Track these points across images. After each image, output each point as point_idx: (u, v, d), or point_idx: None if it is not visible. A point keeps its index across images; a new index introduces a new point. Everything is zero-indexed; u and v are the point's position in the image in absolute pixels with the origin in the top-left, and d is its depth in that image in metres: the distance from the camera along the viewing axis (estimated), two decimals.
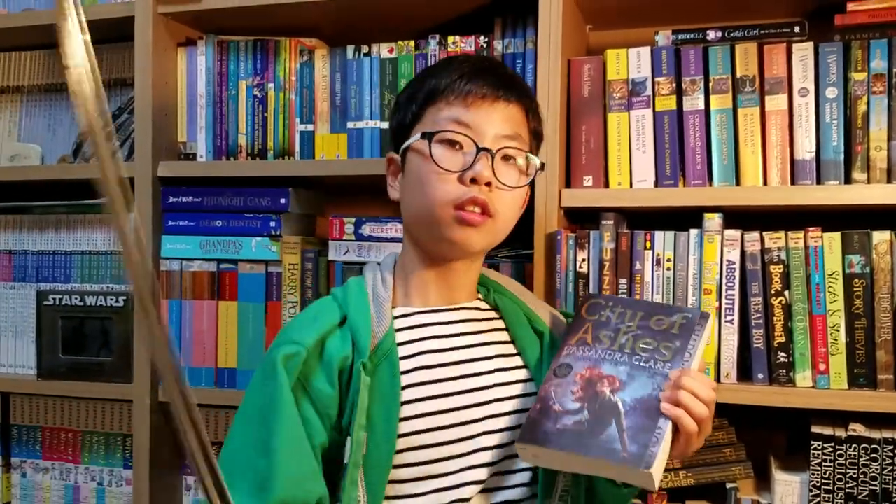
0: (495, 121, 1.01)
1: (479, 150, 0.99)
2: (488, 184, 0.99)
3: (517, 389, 1.04)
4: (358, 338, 0.99)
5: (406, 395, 0.98)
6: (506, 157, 1.02)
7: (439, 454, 0.98)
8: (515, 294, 1.13)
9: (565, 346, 1.03)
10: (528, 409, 1.02)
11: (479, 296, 1.13)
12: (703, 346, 1.01)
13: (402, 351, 1.01)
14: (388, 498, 0.98)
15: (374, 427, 0.96)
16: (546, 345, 1.08)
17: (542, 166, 1.07)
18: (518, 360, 1.07)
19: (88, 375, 1.60)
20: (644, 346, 1.00)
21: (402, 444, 0.97)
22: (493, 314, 1.11)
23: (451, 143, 1.00)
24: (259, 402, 0.97)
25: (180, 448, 1.62)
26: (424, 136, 1.00)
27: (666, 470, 1.11)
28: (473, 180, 0.98)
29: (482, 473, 1.00)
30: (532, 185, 1.32)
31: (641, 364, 0.99)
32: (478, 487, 1.00)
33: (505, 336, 1.09)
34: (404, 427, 0.97)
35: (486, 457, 1.00)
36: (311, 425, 0.96)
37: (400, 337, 1.02)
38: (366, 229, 1.47)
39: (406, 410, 0.97)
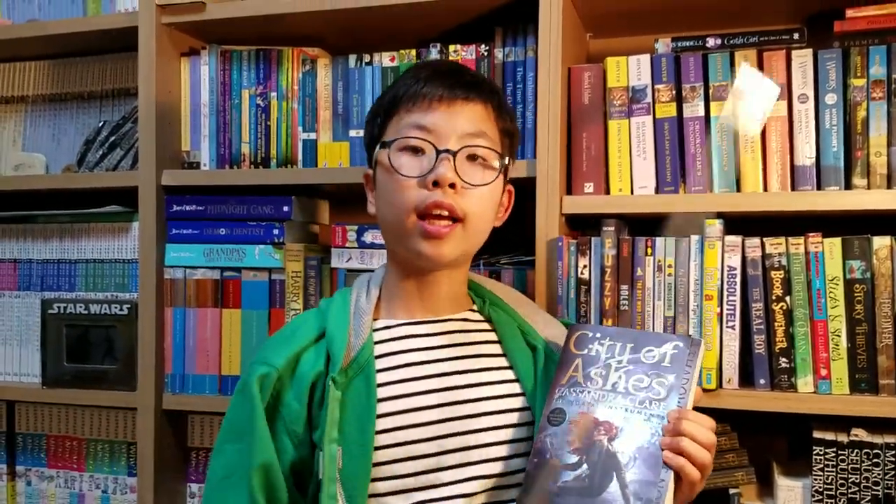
0: (457, 121, 1.00)
1: (438, 152, 0.98)
2: (453, 185, 0.97)
3: (507, 403, 1.03)
4: (332, 352, 1.00)
5: (383, 407, 0.97)
6: (472, 157, 1.01)
7: (419, 467, 0.97)
8: (513, 306, 1.12)
9: (556, 386, 1.00)
10: (520, 424, 1.01)
11: (474, 306, 1.12)
12: (697, 376, 0.98)
13: (382, 363, 1.01)
14: None
15: (348, 440, 0.96)
16: (540, 359, 1.06)
17: (510, 161, 1.05)
18: (510, 374, 1.05)
19: (93, 383, 1.61)
20: (637, 384, 0.97)
21: (379, 456, 0.97)
22: (484, 325, 1.10)
23: (413, 150, 1.00)
24: (236, 418, 1.01)
25: (184, 455, 1.63)
26: (383, 145, 1.00)
27: None
28: (436, 183, 0.97)
29: (472, 487, 0.98)
30: (532, 193, 1.34)
31: (636, 405, 0.95)
32: (469, 501, 0.98)
33: (496, 349, 1.07)
34: (382, 440, 0.97)
35: (476, 471, 0.99)
36: (283, 444, 0.99)
37: (380, 349, 1.02)
38: (368, 237, 1.48)
39: (383, 423, 0.97)
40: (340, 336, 1.00)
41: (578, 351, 1.02)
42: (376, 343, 1.03)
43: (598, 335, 1.03)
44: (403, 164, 0.99)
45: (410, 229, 0.99)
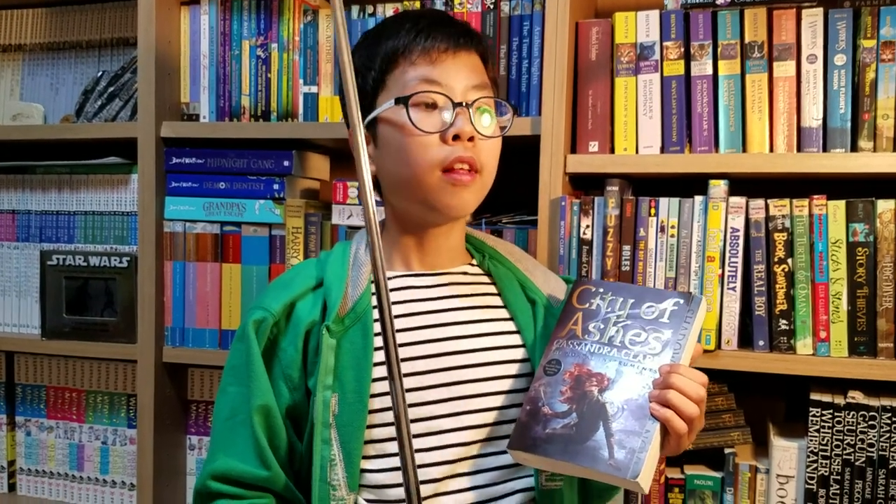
0: (462, 73, 0.99)
1: (455, 105, 0.97)
2: (471, 139, 0.97)
3: (507, 354, 1.04)
4: (329, 301, 1.01)
5: (380, 356, 0.98)
6: (478, 109, 1.01)
7: (416, 415, 0.98)
8: (512, 260, 1.12)
9: (555, 338, 1.01)
10: (519, 375, 1.02)
11: (473, 261, 1.12)
12: (696, 333, 0.98)
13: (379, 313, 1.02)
14: (367, 457, 0.99)
15: (345, 387, 0.97)
16: (539, 312, 1.06)
17: (516, 110, 1.05)
18: (510, 325, 1.06)
19: (93, 335, 1.61)
20: (633, 339, 0.97)
21: (376, 403, 0.98)
22: (484, 279, 1.10)
23: (426, 105, 0.98)
24: (236, 361, 1.02)
25: (184, 407, 1.64)
26: (399, 101, 0.98)
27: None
28: (456, 137, 0.97)
29: (469, 436, 1.00)
30: (536, 151, 1.33)
31: (630, 359, 0.96)
32: (465, 450, 1.00)
33: (496, 301, 1.08)
34: (378, 387, 0.98)
35: (475, 419, 1.00)
36: (279, 388, 1.01)
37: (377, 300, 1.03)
38: None
39: (380, 371, 0.98)
40: (338, 286, 1.01)
41: (580, 305, 1.03)
42: (374, 294, 1.03)
43: (601, 290, 1.03)
44: (420, 120, 0.97)
45: (434, 184, 0.98)
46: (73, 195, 1.66)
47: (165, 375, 1.59)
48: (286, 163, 1.51)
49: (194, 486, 1.03)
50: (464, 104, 0.98)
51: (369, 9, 1.49)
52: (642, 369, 0.95)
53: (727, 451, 1.34)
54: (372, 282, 1.04)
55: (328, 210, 1.51)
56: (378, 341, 0.99)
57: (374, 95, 1.02)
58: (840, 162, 1.25)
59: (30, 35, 1.76)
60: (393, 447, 0.98)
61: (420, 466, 0.97)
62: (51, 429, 1.73)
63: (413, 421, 0.98)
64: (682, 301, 0.99)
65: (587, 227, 1.33)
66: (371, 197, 0.85)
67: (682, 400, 0.90)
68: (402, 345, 1.00)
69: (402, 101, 0.98)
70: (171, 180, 1.56)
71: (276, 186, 1.51)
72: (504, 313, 1.07)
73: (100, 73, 1.66)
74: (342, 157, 1.72)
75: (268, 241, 1.53)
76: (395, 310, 1.02)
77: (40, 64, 1.78)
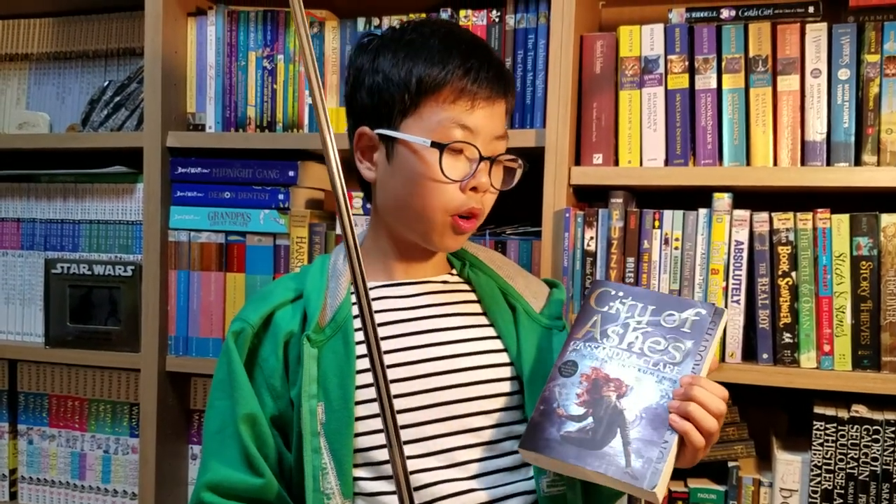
0: (493, 122, 1.02)
1: (481, 159, 1.00)
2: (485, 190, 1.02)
3: (488, 359, 1.05)
4: (308, 311, 1.02)
5: (363, 363, 0.99)
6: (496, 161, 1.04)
7: (403, 421, 0.98)
8: (493, 268, 1.13)
9: (572, 339, 1.01)
10: (501, 379, 1.03)
11: (453, 270, 1.13)
12: (716, 345, 0.97)
13: (359, 322, 1.01)
14: (357, 465, 0.99)
15: (329, 395, 0.98)
16: (520, 318, 1.08)
17: (527, 167, 1.08)
18: (490, 331, 1.07)
19: (96, 344, 1.61)
20: (653, 346, 0.97)
21: (363, 410, 0.98)
22: (464, 287, 1.12)
23: (455, 151, 1.00)
24: (221, 374, 1.04)
25: (186, 417, 1.64)
26: (434, 145, 0.98)
27: None
28: (474, 188, 1.00)
29: (455, 441, 1.00)
30: (540, 163, 1.33)
31: (650, 367, 0.95)
32: (450, 456, 1.00)
33: (476, 308, 1.09)
34: (363, 394, 0.98)
35: (457, 425, 1.00)
36: (262, 398, 1.02)
37: (357, 309, 1.03)
38: None
39: (363, 378, 0.99)
40: (316, 296, 1.03)
41: (598, 307, 1.02)
42: (355, 303, 1.03)
43: (621, 294, 1.03)
44: (449, 166, 0.99)
45: (440, 223, 1.01)
46: (78, 204, 1.67)
47: (168, 384, 1.59)
48: (291, 173, 1.52)
49: (189, 501, 1.03)
50: (489, 159, 1.01)
51: (375, 21, 1.50)
52: (662, 378, 0.94)
53: (731, 464, 1.34)
54: (352, 292, 1.04)
55: (332, 220, 1.52)
56: (360, 349, 1.00)
57: (403, 114, 1.01)
58: (844, 176, 1.25)
59: (36, 44, 1.76)
60: (381, 455, 0.98)
61: (409, 473, 0.98)
62: (53, 437, 1.73)
63: (401, 428, 0.98)
64: (703, 311, 0.99)
65: (591, 238, 1.33)
66: (343, 195, 0.89)
67: (702, 413, 0.90)
68: (385, 352, 1.00)
69: (439, 147, 0.98)
70: (176, 190, 1.56)
71: (280, 196, 1.52)
72: (484, 320, 1.08)
73: (106, 83, 1.66)
74: (347, 168, 1.72)
75: (272, 250, 1.53)
76: (376, 318, 1.02)
77: (47, 73, 1.79)
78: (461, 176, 0.99)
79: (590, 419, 0.93)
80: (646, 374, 0.95)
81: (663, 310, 1.00)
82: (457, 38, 1.04)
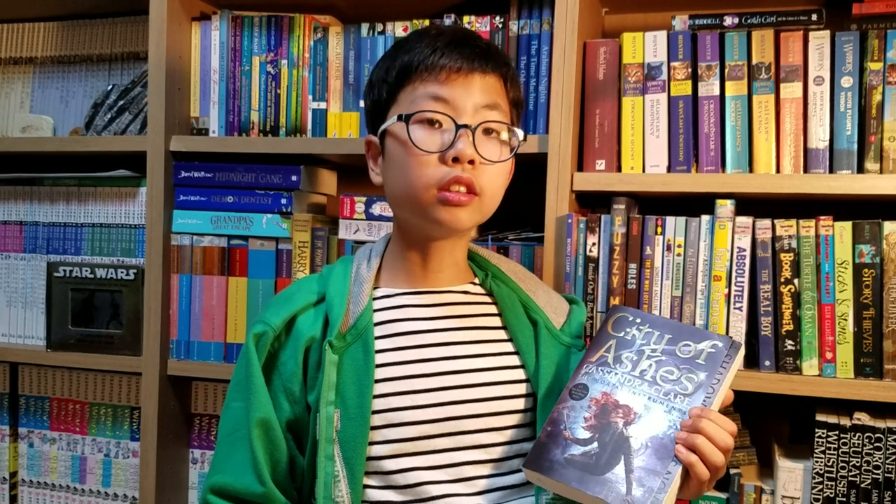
0: (473, 93, 0.99)
1: (458, 127, 0.97)
2: (471, 162, 0.97)
3: (505, 375, 1.03)
4: (331, 317, 1.01)
5: (381, 373, 0.99)
6: (487, 131, 1.00)
7: (414, 433, 0.98)
8: (516, 280, 1.12)
9: (585, 362, 1.00)
10: (517, 396, 1.02)
11: (476, 279, 1.12)
12: (730, 380, 0.96)
13: (380, 330, 1.02)
14: (368, 474, 0.99)
15: (346, 403, 0.97)
16: (541, 333, 1.06)
17: (525, 137, 1.05)
18: (509, 346, 1.06)
19: (98, 348, 1.61)
20: (666, 375, 0.96)
21: (377, 420, 0.98)
22: (485, 299, 1.10)
23: (430, 123, 0.98)
24: (239, 376, 1.04)
25: (187, 421, 1.64)
26: (401, 118, 0.98)
27: None
28: (455, 159, 0.97)
29: (463, 456, 0.99)
30: (543, 168, 1.33)
31: (660, 396, 0.94)
32: (459, 470, 0.99)
33: (496, 322, 1.08)
34: (378, 404, 0.98)
35: (468, 440, 1.00)
36: (279, 402, 1.01)
37: (379, 317, 1.03)
38: (376, 208, 1.47)
39: (380, 388, 0.98)
40: (339, 302, 1.02)
41: (615, 332, 1.02)
42: (376, 311, 1.04)
43: (639, 320, 1.02)
44: (421, 139, 0.97)
45: (429, 201, 0.98)
46: (81, 207, 1.67)
47: (169, 388, 1.59)
48: (294, 177, 1.52)
49: (198, 500, 1.04)
50: (467, 126, 0.97)
51: (378, 27, 1.51)
52: (671, 408, 0.93)
53: (732, 471, 1.33)
54: (375, 298, 1.04)
55: (335, 225, 1.52)
56: (380, 358, 1.00)
57: (387, 108, 1.03)
58: (846, 183, 1.26)
59: (41, 48, 1.77)
60: (392, 464, 0.98)
61: (416, 485, 0.98)
62: (53, 440, 1.73)
63: (406, 440, 0.98)
64: (720, 344, 0.98)
65: (593, 244, 1.33)
66: None
67: (709, 447, 0.89)
68: (397, 363, 1.00)
69: (405, 118, 0.98)
70: (179, 194, 1.57)
71: (283, 201, 1.52)
72: (503, 334, 1.07)
73: (110, 87, 1.67)
74: (350, 173, 1.73)
75: (274, 255, 1.53)
76: (393, 328, 1.03)
77: (51, 77, 1.79)
78: (437, 147, 0.97)
79: (595, 444, 0.92)
80: (656, 402, 0.94)
81: (679, 339, 0.99)
82: (437, 29, 1.05)
